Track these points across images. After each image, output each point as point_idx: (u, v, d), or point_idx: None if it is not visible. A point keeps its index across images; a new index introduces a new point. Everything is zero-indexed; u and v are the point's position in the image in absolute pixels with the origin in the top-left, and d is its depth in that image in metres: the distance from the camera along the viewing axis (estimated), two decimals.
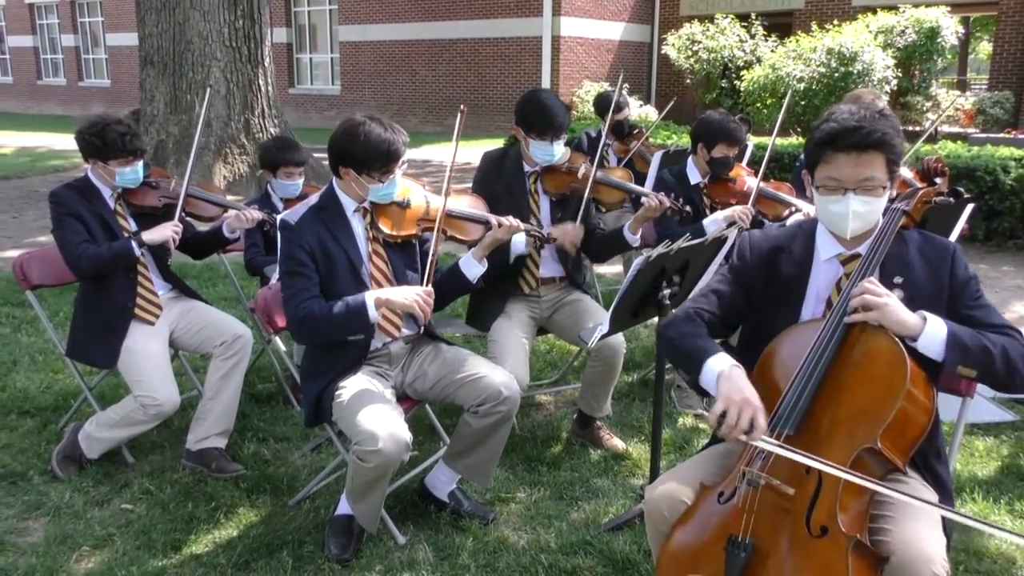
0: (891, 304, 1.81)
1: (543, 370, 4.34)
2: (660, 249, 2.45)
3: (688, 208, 3.39)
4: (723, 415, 1.76)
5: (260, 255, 3.83)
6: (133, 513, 2.92)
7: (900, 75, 12.95)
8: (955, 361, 1.78)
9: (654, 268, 2.48)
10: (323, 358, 2.71)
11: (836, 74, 12.17)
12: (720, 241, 2.66)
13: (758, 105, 13.00)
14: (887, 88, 12.41)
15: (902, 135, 1.93)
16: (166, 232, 3.14)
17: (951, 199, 3.13)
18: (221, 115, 9.47)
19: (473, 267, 2.81)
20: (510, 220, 2.85)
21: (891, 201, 2.00)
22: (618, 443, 3.41)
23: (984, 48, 23.91)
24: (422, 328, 2.68)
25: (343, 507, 2.71)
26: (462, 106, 2.70)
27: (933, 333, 1.79)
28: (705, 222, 3.46)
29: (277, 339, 3.06)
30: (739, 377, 1.83)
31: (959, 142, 8.63)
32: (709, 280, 2.20)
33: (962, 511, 1.59)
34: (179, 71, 9.45)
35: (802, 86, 12.20)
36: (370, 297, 2.55)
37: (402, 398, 2.82)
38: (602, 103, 5.35)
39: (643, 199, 3.25)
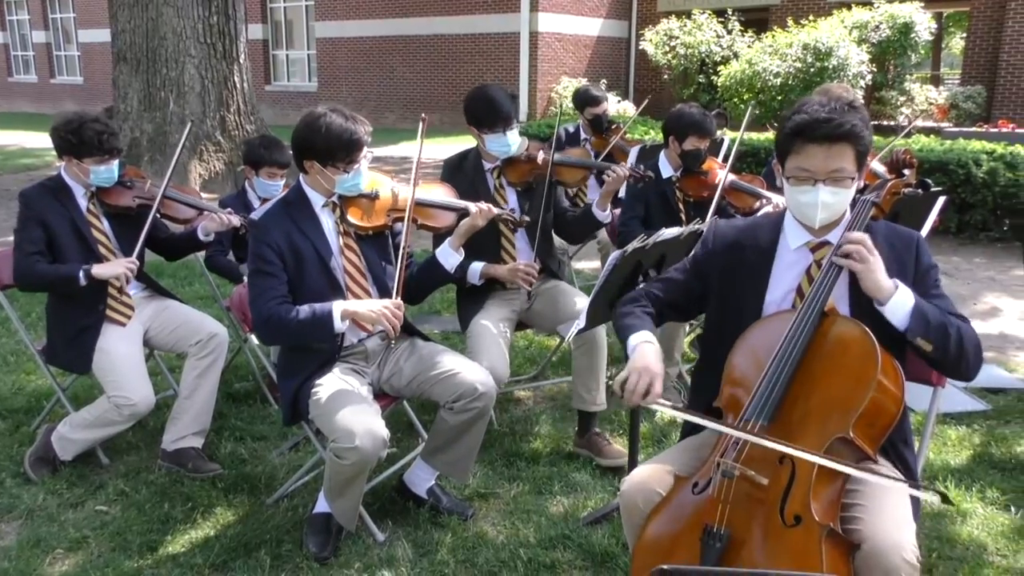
0: (878, 262, 1.87)
1: (522, 365, 4.35)
2: (635, 244, 2.47)
3: (651, 173, 3.42)
4: (626, 381, 1.88)
5: (221, 253, 3.82)
6: (108, 515, 2.89)
7: (875, 70, 13.09)
8: (916, 331, 1.84)
9: (630, 262, 2.50)
10: (299, 356, 2.70)
11: (812, 69, 12.28)
12: (696, 235, 2.68)
13: (735, 100, 13.09)
14: (862, 83, 12.54)
15: (871, 127, 1.96)
16: (117, 269, 3.04)
17: (919, 190, 3.17)
18: (196, 112, 9.36)
19: (450, 256, 2.81)
20: (483, 205, 2.85)
21: (860, 193, 2.03)
22: (617, 449, 3.25)
23: (957, 43, 24.21)
24: (392, 342, 2.69)
25: (321, 505, 2.70)
26: (423, 115, 2.76)
27: (902, 301, 1.86)
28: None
29: (253, 337, 3.03)
30: (647, 350, 1.96)
31: (932, 136, 8.73)
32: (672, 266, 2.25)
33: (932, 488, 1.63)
34: (152, 68, 9.33)
35: (778, 81, 12.30)
36: (337, 307, 2.53)
37: (379, 395, 2.82)
38: (580, 97, 5.37)
39: (605, 173, 3.26)
